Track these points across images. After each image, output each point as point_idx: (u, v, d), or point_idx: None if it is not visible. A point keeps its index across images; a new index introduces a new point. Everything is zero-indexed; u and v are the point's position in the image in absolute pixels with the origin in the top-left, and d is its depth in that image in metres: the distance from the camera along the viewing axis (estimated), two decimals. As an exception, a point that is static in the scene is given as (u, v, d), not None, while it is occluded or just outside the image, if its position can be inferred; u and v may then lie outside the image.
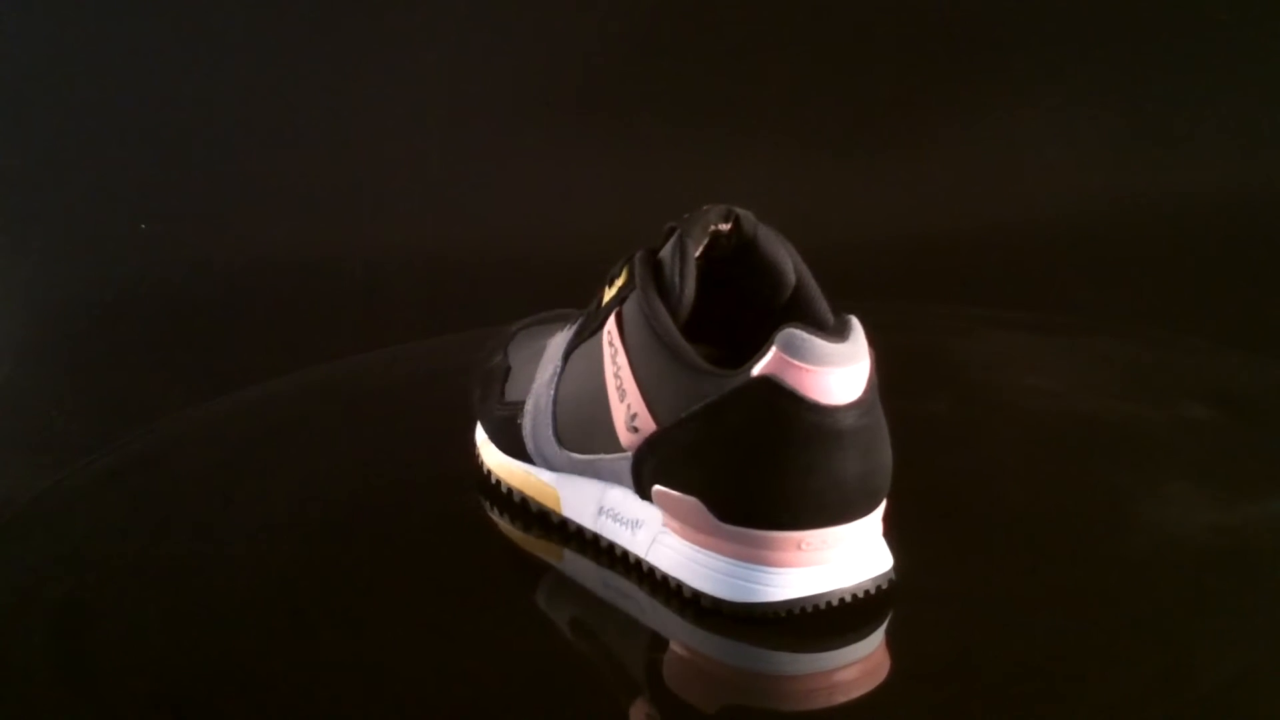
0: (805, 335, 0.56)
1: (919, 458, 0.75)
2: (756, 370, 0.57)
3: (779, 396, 0.56)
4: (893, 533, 0.61)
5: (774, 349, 0.57)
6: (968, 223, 1.37)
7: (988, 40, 1.41)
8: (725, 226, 0.63)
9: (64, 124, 1.41)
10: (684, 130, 1.39)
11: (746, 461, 0.58)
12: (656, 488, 0.61)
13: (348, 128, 1.42)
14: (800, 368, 0.56)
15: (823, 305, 0.61)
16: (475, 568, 0.67)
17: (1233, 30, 1.39)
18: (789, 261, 0.62)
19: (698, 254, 0.62)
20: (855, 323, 0.58)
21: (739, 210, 0.63)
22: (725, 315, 0.63)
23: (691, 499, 0.60)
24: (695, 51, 1.41)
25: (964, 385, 0.88)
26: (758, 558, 0.59)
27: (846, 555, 0.59)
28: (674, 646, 0.61)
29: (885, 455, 0.59)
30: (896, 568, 0.61)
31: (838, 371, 0.56)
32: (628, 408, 0.61)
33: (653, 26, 1.41)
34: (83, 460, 0.83)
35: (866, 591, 0.60)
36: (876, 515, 0.60)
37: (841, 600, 0.59)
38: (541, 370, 0.68)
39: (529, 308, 0.75)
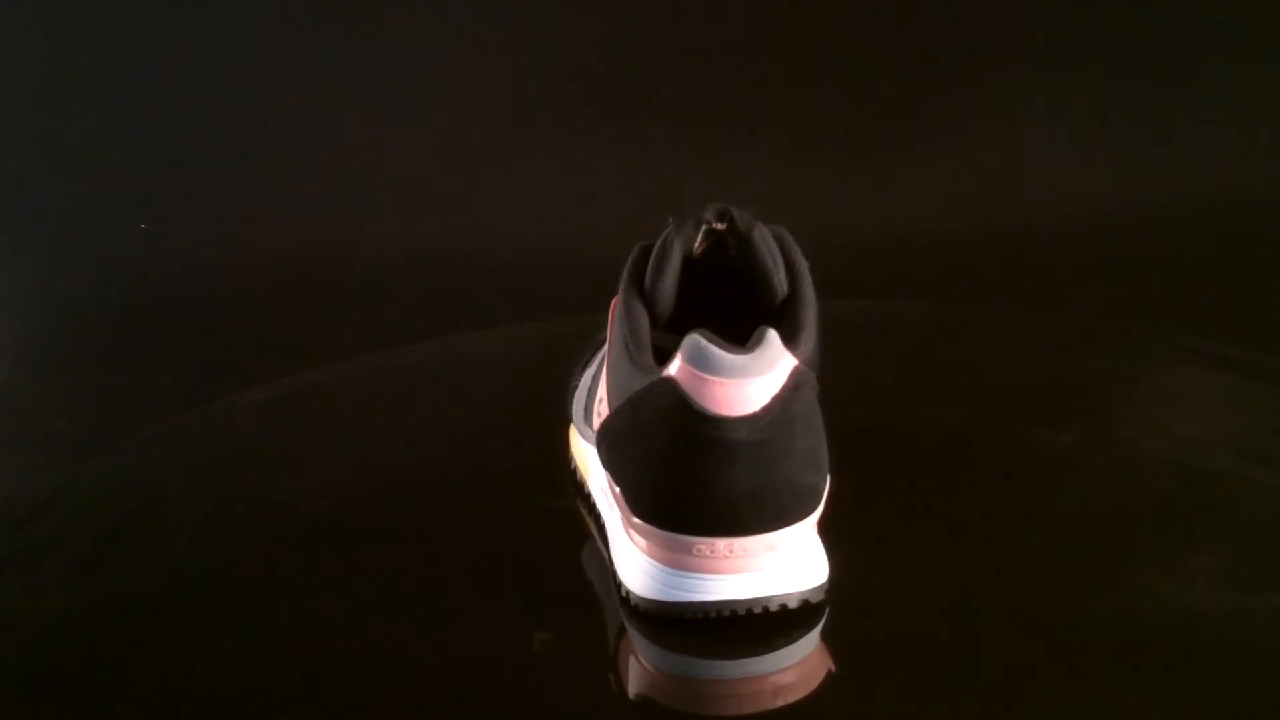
0: (705, 344, 0.56)
1: (904, 459, 0.75)
2: (666, 372, 0.57)
3: (676, 401, 0.56)
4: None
5: (679, 353, 0.57)
6: (968, 223, 1.37)
7: (988, 41, 1.41)
8: (720, 225, 0.63)
9: (64, 124, 1.41)
10: (685, 130, 1.39)
11: (645, 460, 0.58)
12: (606, 474, 0.62)
13: (348, 128, 1.42)
14: (697, 375, 0.56)
15: (809, 312, 0.61)
16: (475, 568, 0.67)
17: (1232, 30, 1.39)
18: (778, 264, 0.62)
19: (697, 249, 0.62)
20: (770, 337, 0.57)
21: (734, 209, 0.63)
22: (727, 312, 0.63)
23: (618, 490, 0.60)
24: (697, 52, 1.41)
25: (963, 385, 0.88)
26: (662, 557, 0.59)
27: (758, 565, 0.58)
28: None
29: (786, 473, 0.57)
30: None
31: (732, 384, 0.56)
32: (601, 393, 0.63)
33: (654, 26, 1.41)
34: (88, 462, 0.83)
35: (783, 606, 0.59)
36: (797, 530, 0.58)
37: (750, 611, 0.59)
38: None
39: (529, 308, 0.75)
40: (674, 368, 0.57)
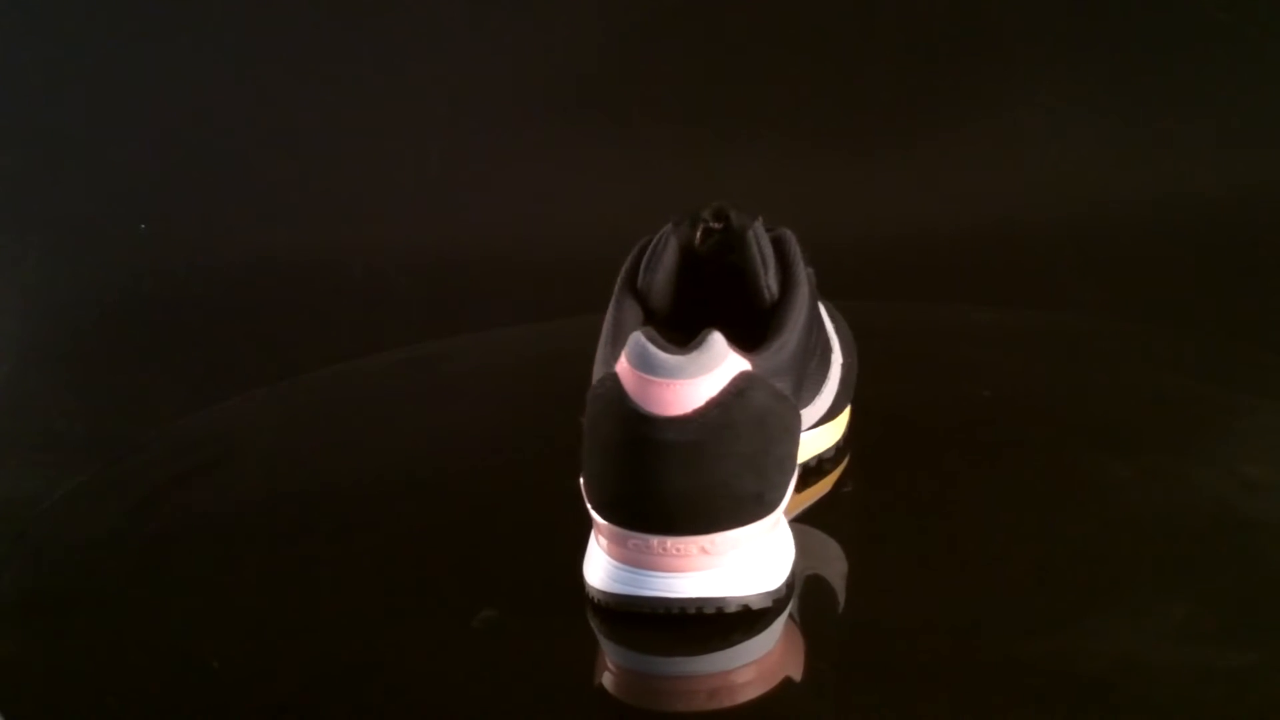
0: (644, 342, 0.56)
1: (899, 458, 0.75)
2: (614, 368, 0.57)
3: (617, 397, 0.56)
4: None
5: (624, 350, 0.57)
6: (968, 222, 1.37)
7: (988, 40, 1.41)
8: (716, 224, 0.63)
9: (64, 124, 1.41)
10: (685, 130, 1.39)
11: (592, 453, 0.58)
12: None
13: (348, 128, 1.42)
14: (635, 373, 0.56)
15: (793, 319, 0.61)
16: (474, 566, 0.67)
17: (1232, 30, 1.39)
18: (768, 267, 0.62)
19: (700, 248, 0.62)
20: (712, 340, 0.56)
21: (730, 209, 0.63)
22: (724, 311, 0.63)
23: (581, 480, 0.60)
24: (696, 51, 1.41)
25: (962, 386, 0.87)
26: (610, 549, 0.59)
27: (697, 566, 0.58)
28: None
29: (720, 477, 0.57)
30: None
31: (666, 384, 0.56)
32: None
33: (653, 26, 1.41)
34: (89, 465, 0.83)
35: (719, 610, 0.59)
36: (740, 534, 0.58)
37: (685, 610, 0.58)
38: None
39: (530, 308, 0.75)
40: (619, 364, 0.57)
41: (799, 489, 0.69)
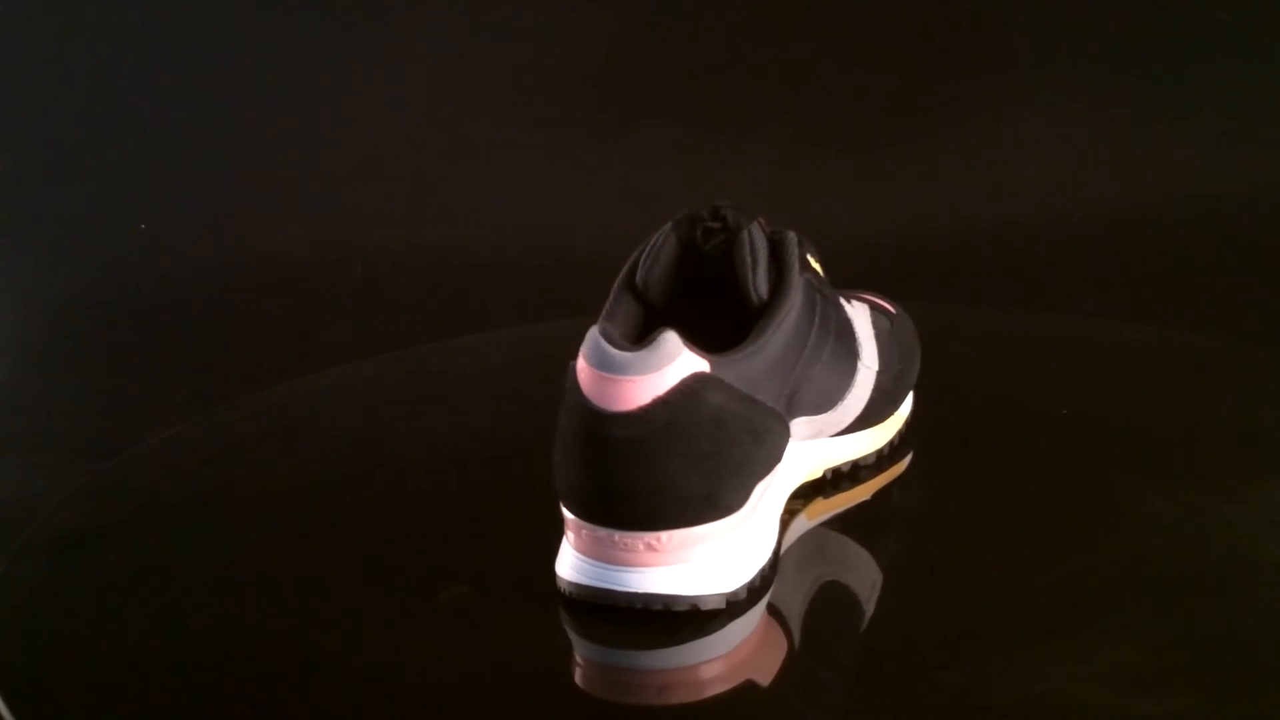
0: (597, 336, 0.57)
1: (939, 470, 0.75)
2: (576, 361, 0.58)
3: (574, 389, 0.57)
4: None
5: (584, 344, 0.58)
6: (968, 223, 1.37)
7: (989, 41, 1.41)
8: (715, 224, 0.63)
9: (64, 124, 1.42)
10: (686, 130, 1.39)
11: (555, 443, 0.59)
12: None
13: (348, 128, 1.42)
14: (588, 367, 0.57)
15: (779, 323, 0.61)
16: (472, 564, 0.67)
17: (1232, 30, 1.40)
18: (758, 269, 0.62)
19: (701, 244, 0.63)
20: (663, 340, 0.56)
21: (727, 210, 0.63)
22: (723, 309, 0.63)
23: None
24: (697, 52, 1.41)
25: (962, 387, 0.87)
26: (570, 538, 0.60)
27: (645, 561, 0.58)
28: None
29: (664, 476, 0.57)
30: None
31: (613, 380, 0.56)
32: None
33: (655, 27, 1.41)
34: (94, 466, 0.83)
35: (666, 607, 0.59)
36: (690, 534, 0.58)
37: (632, 605, 0.58)
38: None
39: (530, 309, 0.75)
40: (579, 358, 0.57)
41: (827, 494, 0.69)
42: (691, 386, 0.56)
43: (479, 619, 0.62)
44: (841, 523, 0.70)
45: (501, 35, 1.42)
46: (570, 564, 0.59)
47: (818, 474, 0.69)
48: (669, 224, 0.64)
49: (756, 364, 0.59)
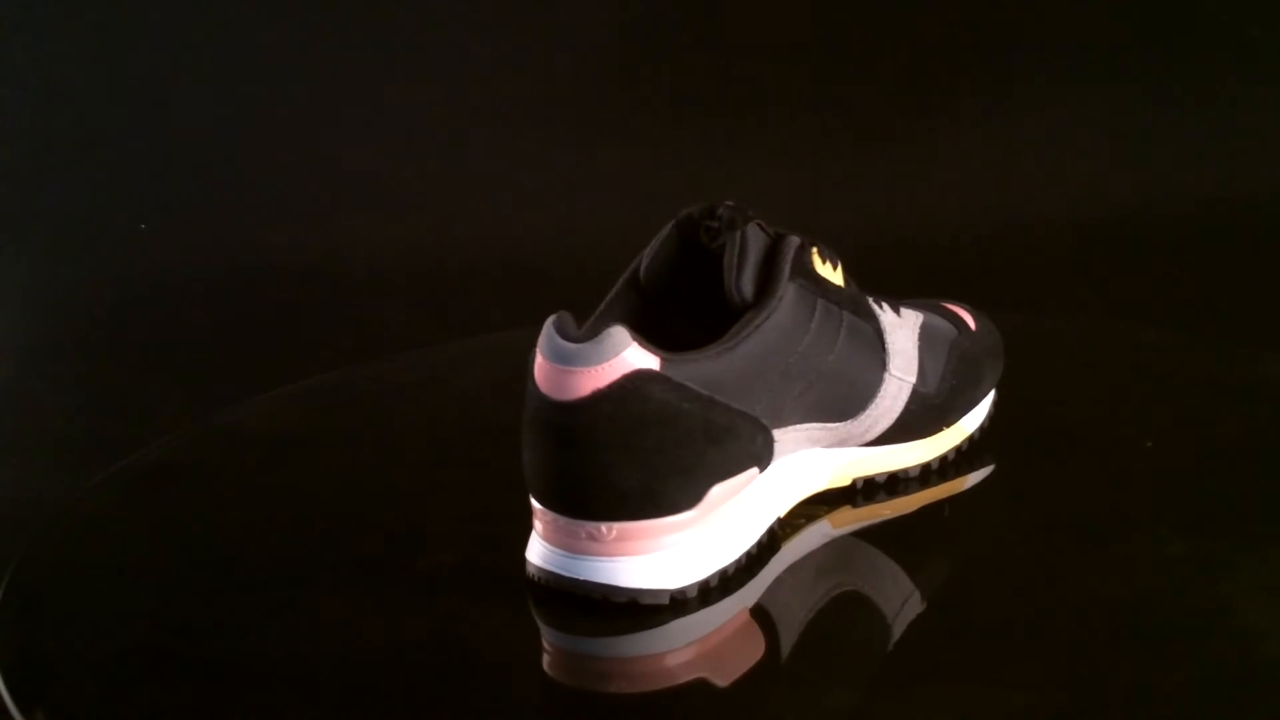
0: (551, 326, 0.58)
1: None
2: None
3: (529, 376, 0.59)
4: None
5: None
6: (968, 223, 1.37)
7: (990, 42, 1.41)
8: (713, 223, 0.63)
9: (64, 124, 1.42)
10: (687, 131, 1.39)
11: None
12: None
13: (349, 130, 1.42)
14: (539, 355, 0.58)
15: (758, 324, 0.60)
16: (472, 561, 0.67)
17: (1233, 31, 1.40)
18: (745, 270, 0.61)
19: (706, 242, 0.63)
20: (609, 334, 0.57)
21: (722, 209, 0.63)
22: (722, 309, 0.63)
23: None
24: (698, 53, 1.41)
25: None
26: (534, 523, 0.61)
27: (588, 550, 0.59)
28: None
29: (598, 468, 0.58)
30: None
31: (556, 369, 0.57)
32: None
33: (656, 28, 1.41)
34: (94, 466, 0.83)
35: (605, 597, 0.59)
36: (633, 527, 0.59)
37: (574, 591, 0.59)
38: None
39: (531, 309, 0.75)
40: (537, 346, 0.59)
41: (857, 503, 0.68)
42: (634, 382, 0.57)
43: (454, 597, 0.63)
44: (865, 534, 0.69)
45: (502, 36, 1.42)
46: (534, 549, 0.61)
47: (843, 482, 0.68)
48: (674, 220, 0.64)
49: (720, 365, 0.59)
